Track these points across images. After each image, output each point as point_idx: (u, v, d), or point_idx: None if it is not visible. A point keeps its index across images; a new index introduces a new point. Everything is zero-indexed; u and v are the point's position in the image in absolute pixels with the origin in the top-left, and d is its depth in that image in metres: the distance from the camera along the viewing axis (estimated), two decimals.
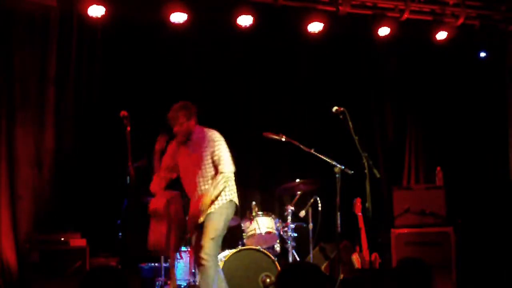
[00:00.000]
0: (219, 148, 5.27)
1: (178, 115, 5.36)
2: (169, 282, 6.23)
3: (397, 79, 8.20)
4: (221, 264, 6.05)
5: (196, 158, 5.32)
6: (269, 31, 7.44)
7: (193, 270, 6.15)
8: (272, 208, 7.42)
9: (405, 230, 6.79)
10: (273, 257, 6.23)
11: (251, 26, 7.09)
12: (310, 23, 7.22)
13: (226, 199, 5.31)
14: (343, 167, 5.47)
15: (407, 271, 3.71)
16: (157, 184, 5.37)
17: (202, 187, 5.31)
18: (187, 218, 5.31)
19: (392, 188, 7.07)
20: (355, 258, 6.75)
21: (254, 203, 6.78)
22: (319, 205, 6.65)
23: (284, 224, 6.61)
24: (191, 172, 5.37)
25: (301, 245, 6.78)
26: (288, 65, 7.78)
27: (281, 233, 6.59)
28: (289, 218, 6.58)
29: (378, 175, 5.38)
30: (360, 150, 5.37)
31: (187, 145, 5.42)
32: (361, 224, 6.78)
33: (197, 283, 6.09)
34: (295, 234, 6.60)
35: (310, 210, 6.64)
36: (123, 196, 5.88)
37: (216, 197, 5.25)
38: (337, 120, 5.57)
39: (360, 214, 6.83)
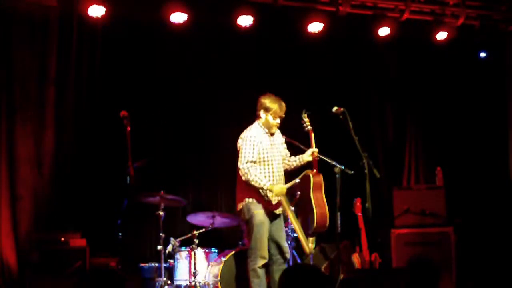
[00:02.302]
0: None
1: None
2: (168, 282, 6.24)
3: (397, 79, 8.20)
4: (221, 264, 6.06)
5: (278, 150, 5.64)
6: (269, 31, 7.44)
7: (193, 270, 6.14)
8: None
9: (405, 230, 6.79)
10: None
11: (251, 26, 7.09)
12: (310, 23, 7.22)
13: None
14: (343, 167, 5.47)
15: (416, 270, 3.72)
16: None
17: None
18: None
19: (392, 188, 7.08)
20: (355, 258, 6.75)
21: None
22: None
23: (284, 225, 6.59)
24: (277, 162, 5.56)
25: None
26: (288, 65, 7.77)
27: None
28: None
29: (378, 175, 5.39)
30: (360, 150, 5.37)
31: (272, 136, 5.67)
32: (361, 224, 6.78)
33: (197, 283, 6.10)
34: (295, 235, 6.58)
35: None
36: (123, 196, 5.87)
37: None
38: (337, 120, 5.57)
39: (360, 214, 6.83)
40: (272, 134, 5.60)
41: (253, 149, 5.41)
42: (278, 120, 5.55)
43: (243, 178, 5.38)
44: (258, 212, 5.40)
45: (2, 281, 6.18)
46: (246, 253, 6.15)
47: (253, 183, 5.36)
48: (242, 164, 5.39)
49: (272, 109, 5.53)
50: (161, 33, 7.11)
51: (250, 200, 5.46)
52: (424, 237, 6.74)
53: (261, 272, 5.38)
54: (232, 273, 6.08)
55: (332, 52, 7.89)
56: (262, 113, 5.57)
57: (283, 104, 5.58)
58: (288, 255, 5.62)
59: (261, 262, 5.39)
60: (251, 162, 5.39)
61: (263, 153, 5.47)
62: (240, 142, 5.52)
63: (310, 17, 7.20)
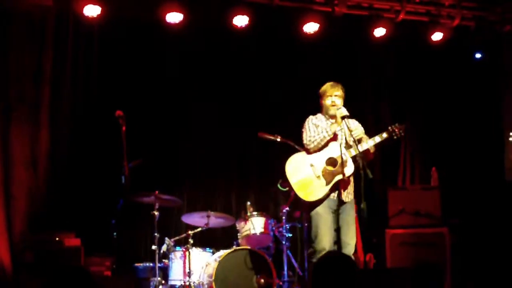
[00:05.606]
0: None
1: None
2: (162, 282, 6.24)
3: (393, 79, 8.20)
4: (215, 264, 6.05)
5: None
6: (264, 32, 7.44)
7: (188, 270, 6.14)
8: (267, 208, 7.43)
9: (400, 231, 6.80)
10: (267, 258, 6.22)
11: (246, 26, 7.09)
12: (305, 23, 7.23)
13: None
14: None
15: (423, 274, 3.73)
16: None
17: None
18: None
19: (387, 188, 7.07)
20: None
21: (249, 203, 6.77)
22: None
23: (279, 225, 6.60)
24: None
25: (296, 245, 6.76)
26: (284, 65, 7.77)
27: (276, 233, 6.58)
28: (284, 218, 6.56)
29: (370, 176, 5.35)
30: (356, 150, 5.36)
31: None
32: (356, 224, 6.77)
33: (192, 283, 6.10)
34: (290, 235, 6.59)
35: None
36: (118, 196, 5.88)
37: None
38: None
39: (355, 214, 6.81)
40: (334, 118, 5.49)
41: (313, 127, 5.49)
42: (329, 100, 5.56)
43: (312, 147, 5.38)
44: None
45: None
46: (240, 253, 6.16)
47: (319, 143, 5.35)
48: (305, 141, 5.46)
49: (323, 92, 5.64)
50: (157, 32, 7.12)
51: None
52: (419, 237, 6.75)
53: None
54: (226, 273, 6.07)
55: (328, 52, 7.89)
56: (321, 101, 5.66)
57: (335, 84, 5.63)
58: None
59: (320, 255, 5.16)
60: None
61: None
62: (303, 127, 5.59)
63: (306, 17, 7.21)
